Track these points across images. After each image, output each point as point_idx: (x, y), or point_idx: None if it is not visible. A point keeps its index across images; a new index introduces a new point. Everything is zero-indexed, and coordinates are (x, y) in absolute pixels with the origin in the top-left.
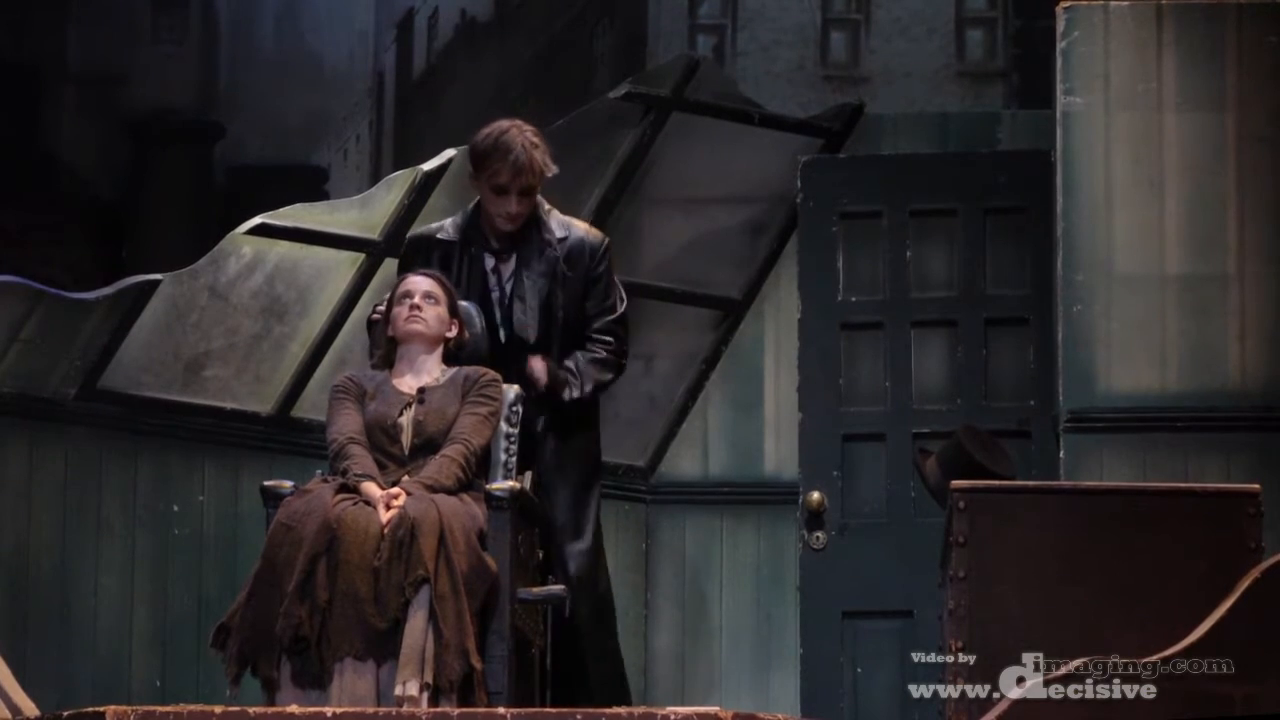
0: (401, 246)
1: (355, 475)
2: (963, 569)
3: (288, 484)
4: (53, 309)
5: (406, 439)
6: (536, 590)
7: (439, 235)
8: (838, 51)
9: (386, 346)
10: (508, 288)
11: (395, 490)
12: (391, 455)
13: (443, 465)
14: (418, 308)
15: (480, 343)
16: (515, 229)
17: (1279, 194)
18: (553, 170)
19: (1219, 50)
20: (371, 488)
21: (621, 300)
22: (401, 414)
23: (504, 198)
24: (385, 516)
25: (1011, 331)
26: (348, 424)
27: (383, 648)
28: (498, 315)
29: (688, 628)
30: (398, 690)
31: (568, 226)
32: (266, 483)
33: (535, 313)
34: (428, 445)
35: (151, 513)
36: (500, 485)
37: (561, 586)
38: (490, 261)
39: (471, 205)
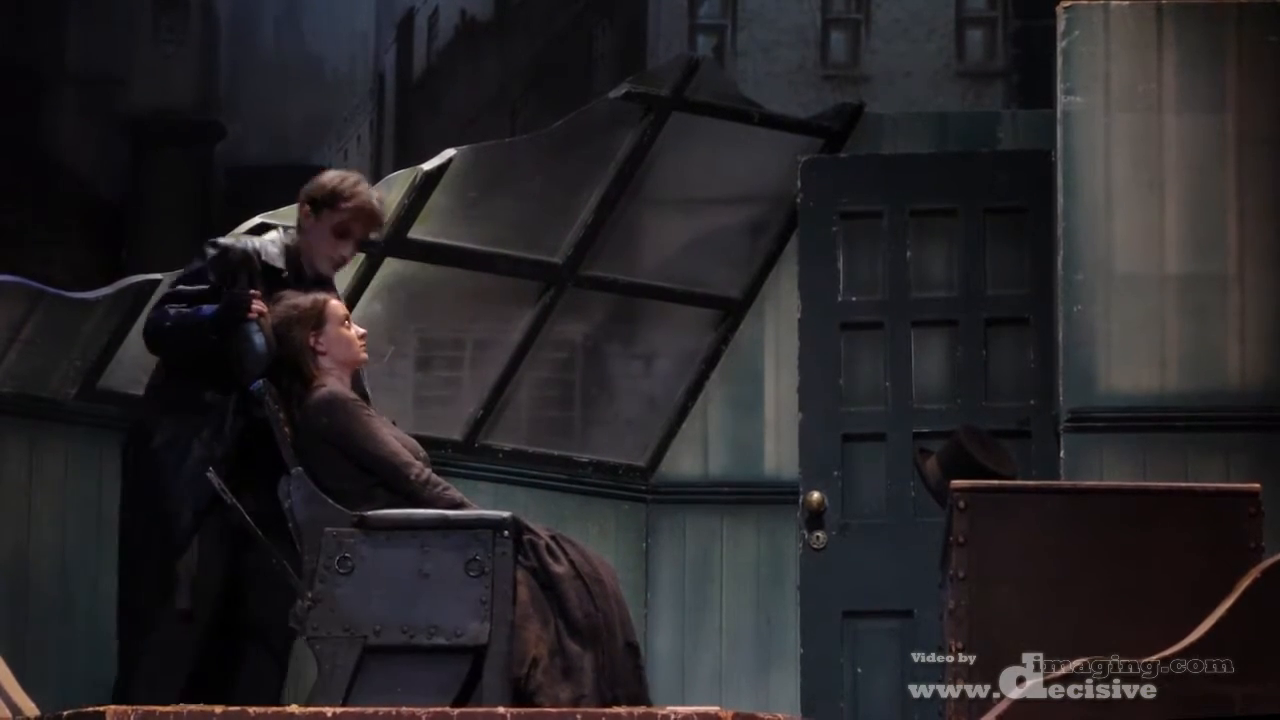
0: (231, 254)
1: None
2: (963, 569)
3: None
4: (53, 309)
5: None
6: None
7: (269, 261)
8: (838, 51)
9: (312, 362)
10: None
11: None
12: None
13: None
14: (363, 336)
15: None
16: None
17: (1279, 195)
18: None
19: (1219, 51)
20: None
21: None
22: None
23: (344, 242)
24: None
25: (1011, 331)
26: (400, 446)
27: None
28: None
29: (688, 628)
30: None
31: None
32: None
33: None
34: None
35: None
36: None
37: None
38: None
39: (287, 239)
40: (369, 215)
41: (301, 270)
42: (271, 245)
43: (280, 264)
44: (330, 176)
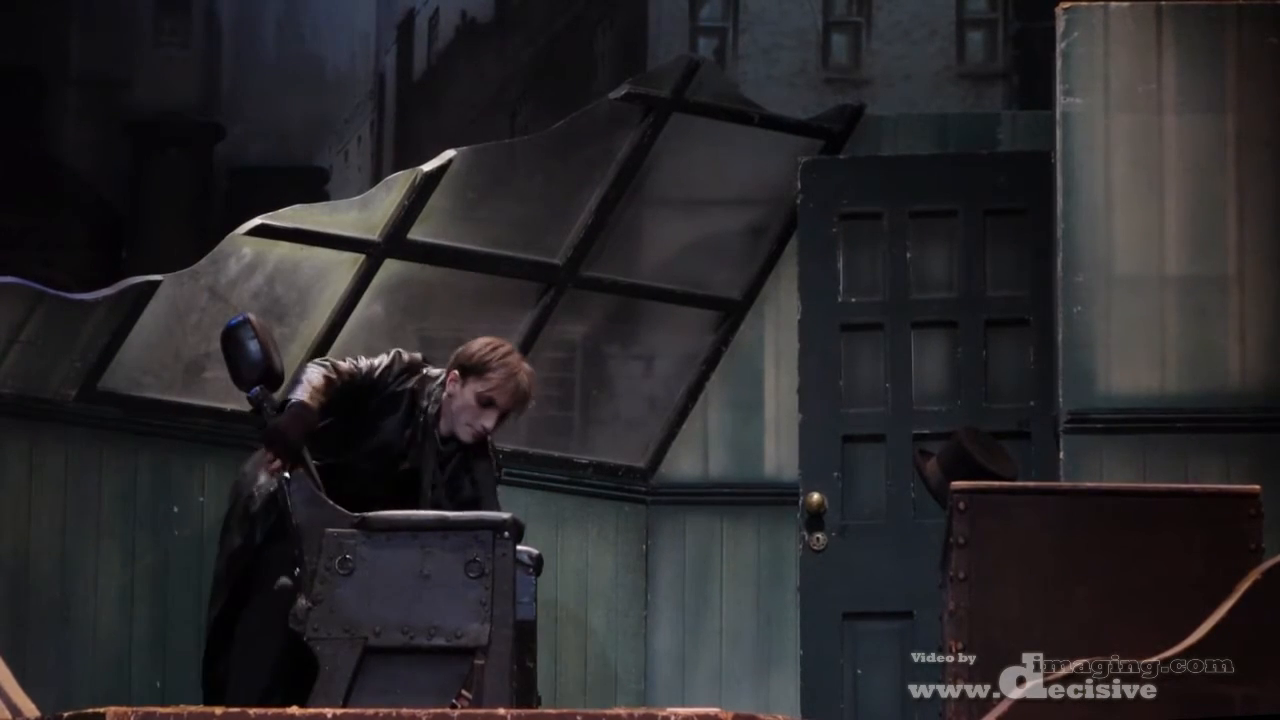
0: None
1: None
2: (963, 570)
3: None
4: (53, 310)
5: None
6: None
7: (419, 399)
8: (838, 54)
9: None
10: (439, 493)
11: None
12: None
13: None
14: None
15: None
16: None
17: (1279, 195)
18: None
19: (1219, 52)
20: None
21: None
22: None
23: (487, 412)
24: None
25: (1011, 332)
26: None
27: None
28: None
29: (688, 629)
30: None
31: None
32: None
33: None
34: None
35: (151, 514)
36: None
37: None
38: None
39: (440, 395)
40: (514, 390)
41: (423, 417)
42: (430, 386)
43: (428, 408)
44: (481, 345)
